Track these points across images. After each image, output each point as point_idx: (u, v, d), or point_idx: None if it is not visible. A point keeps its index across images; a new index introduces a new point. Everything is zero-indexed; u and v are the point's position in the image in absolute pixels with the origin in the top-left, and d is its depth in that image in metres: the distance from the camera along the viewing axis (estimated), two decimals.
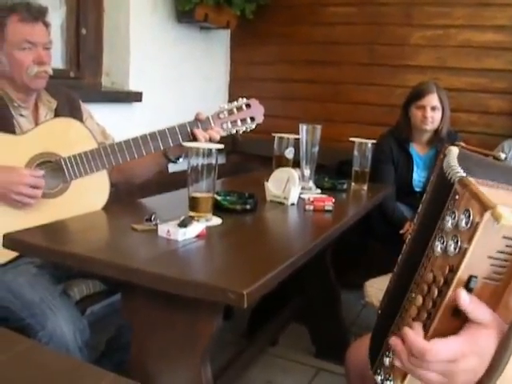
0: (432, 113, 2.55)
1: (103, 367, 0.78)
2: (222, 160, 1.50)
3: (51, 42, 1.70)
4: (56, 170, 1.64)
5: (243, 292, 1.02)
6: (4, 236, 1.33)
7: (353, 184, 2.28)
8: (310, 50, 3.30)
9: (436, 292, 0.74)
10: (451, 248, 0.72)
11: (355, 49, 3.20)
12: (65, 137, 1.69)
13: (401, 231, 2.50)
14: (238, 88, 3.53)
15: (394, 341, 0.77)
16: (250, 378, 2.25)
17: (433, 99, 2.54)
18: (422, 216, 1.09)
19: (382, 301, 1.24)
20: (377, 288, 2.16)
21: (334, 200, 1.82)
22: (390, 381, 0.80)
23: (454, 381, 0.72)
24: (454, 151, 0.87)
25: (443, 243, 0.75)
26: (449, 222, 0.74)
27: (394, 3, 3.08)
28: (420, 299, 0.77)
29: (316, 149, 2.07)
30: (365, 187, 2.27)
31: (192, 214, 1.46)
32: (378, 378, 0.84)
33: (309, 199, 1.80)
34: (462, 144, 0.98)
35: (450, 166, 0.81)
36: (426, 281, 0.77)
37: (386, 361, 0.82)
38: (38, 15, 1.64)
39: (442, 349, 0.71)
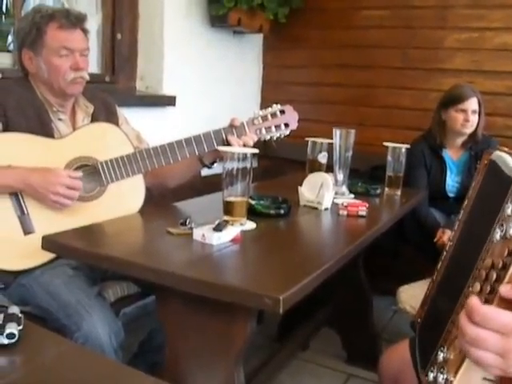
0: (472, 116, 2.52)
1: (136, 369, 0.79)
2: (254, 164, 1.50)
3: (88, 48, 1.73)
4: (93, 174, 1.67)
5: (279, 297, 1.02)
6: (42, 238, 1.36)
7: (386, 189, 2.26)
8: (343, 54, 3.28)
9: (494, 276, 0.74)
10: (511, 231, 0.72)
11: (388, 52, 3.17)
12: (102, 141, 1.72)
13: (435, 239, 2.45)
14: (270, 92, 3.54)
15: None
16: (280, 382, 2.25)
17: (474, 103, 2.51)
18: (465, 220, 1.08)
19: (420, 309, 1.23)
20: (410, 294, 2.14)
21: (367, 205, 1.80)
22: (444, 374, 0.79)
23: (510, 362, 0.70)
24: (504, 155, 0.88)
25: (503, 230, 0.75)
26: (509, 209, 0.75)
27: (428, 6, 3.04)
28: (478, 286, 0.77)
29: (349, 153, 2.06)
30: (398, 192, 2.25)
31: (226, 218, 1.47)
32: (431, 376, 0.83)
33: (343, 204, 1.79)
34: (505, 149, 0.96)
35: (506, 164, 0.82)
36: (484, 267, 0.77)
37: (440, 356, 0.82)
38: (77, 22, 1.67)
39: (496, 313, 0.70)
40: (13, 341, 0.82)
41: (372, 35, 3.20)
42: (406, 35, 3.12)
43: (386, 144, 2.27)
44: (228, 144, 1.72)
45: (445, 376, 0.79)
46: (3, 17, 2.36)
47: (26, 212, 1.59)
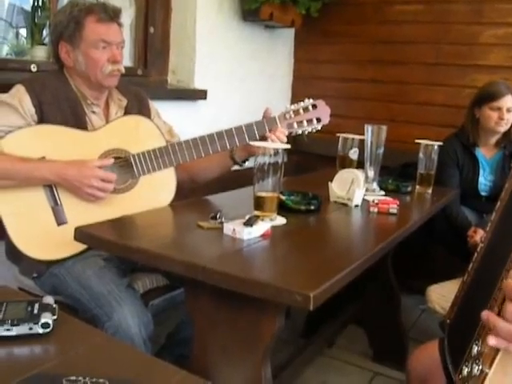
0: (507, 114, 2.47)
1: (164, 360, 0.80)
2: (284, 159, 1.50)
3: (124, 41, 1.75)
4: (125, 166, 1.69)
5: (310, 294, 1.02)
6: (75, 229, 1.38)
7: (417, 187, 2.24)
8: (375, 49, 3.24)
9: None
10: None
11: (422, 48, 3.12)
12: (135, 134, 1.73)
13: (468, 239, 2.41)
14: (301, 87, 3.52)
15: (486, 314, 0.77)
16: (305, 378, 2.25)
17: (509, 100, 2.46)
18: (497, 222, 1.06)
19: (450, 309, 1.22)
20: (439, 294, 2.11)
21: (398, 203, 1.79)
22: (479, 365, 0.79)
23: None
24: None
25: None
26: None
27: (463, 1, 2.98)
28: None
29: (381, 150, 2.04)
30: (429, 190, 2.23)
31: (257, 213, 1.47)
32: (465, 371, 0.83)
33: (373, 201, 1.78)
34: None
35: None
36: None
37: (475, 350, 0.83)
38: (114, 16, 1.69)
39: None
40: (47, 330, 0.84)
41: (405, 30, 3.15)
42: (440, 30, 3.06)
43: (418, 141, 2.24)
44: (260, 139, 1.72)
45: (480, 367, 0.79)
46: (39, 10, 2.39)
47: (59, 203, 1.62)
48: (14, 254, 1.64)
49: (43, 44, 2.38)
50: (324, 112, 1.79)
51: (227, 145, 1.73)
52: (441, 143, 2.27)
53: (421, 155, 2.23)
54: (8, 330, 0.82)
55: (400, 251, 2.22)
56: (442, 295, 2.08)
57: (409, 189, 2.19)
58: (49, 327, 0.83)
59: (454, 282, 2.08)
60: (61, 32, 1.68)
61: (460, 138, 2.61)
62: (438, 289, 2.16)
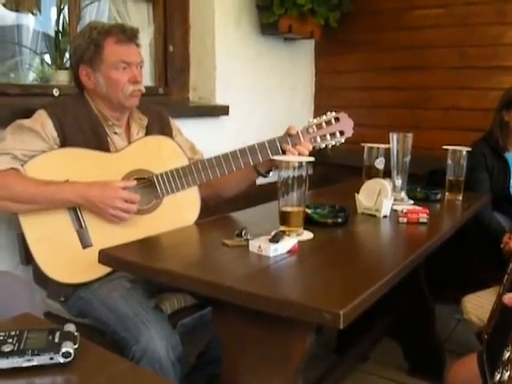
0: None
1: (194, 381, 0.77)
2: (309, 171, 1.48)
3: (143, 61, 1.76)
4: (149, 187, 1.69)
5: (340, 312, 0.98)
6: (99, 252, 1.37)
7: (447, 194, 2.19)
8: (397, 56, 3.20)
9: None
10: None
11: (444, 52, 3.07)
12: (157, 154, 1.74)
13: (501, 245, 2.34)
14: (323, 98, 3.49)
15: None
16: None
17: None
18: None
19: (487, 323, 1.17)
20: (475, 304, 2.04)
21: (428, 212, 1.74)
22: (509, 371, 0.79)
23: None
24: None
25: None
26: None
27: (485, 1, 2.92)
28: None
29: (408, 158, 1.99)
30: (460, 197, 2.17)
31: (283, 228, 1.44)
32: (497, 377, 0.82)
33: (402, 211, 1.73)
34: None
35: None
36: None
37: (506, 355, 0.82)
38: (132, 36, 1.70)
39: None
40: (68, 360, 0.82)
41: (427, 35, 3.10)
42: (462, 33, 3.01)
43: (445, 147, 2.19)
44: (283, 153, 1.70)
45: (509, 373, 0.78)
46: (60, 35, 2.42)
47: (83, 226, 1.62)
48: (41, 279, 1.64)
49: (65, 68, 2.40)
50: (347, 124, 1.77)
51: (250, 161, 1.72)
52: (469, 148, 2.21)
53: (449, 161, 2.18)
54: (29, 360, 0.80)
55: (431, 260, 2.16)
56: (479, 305, 2.01)
57: (438, 196, 2.14)
58: (70, 356, 0.81)
59: (490, 291, 2.02)
60: (80, 55, 1.69)
61: (489, 142, 2.54)
62: (473, 299, 2.09)
